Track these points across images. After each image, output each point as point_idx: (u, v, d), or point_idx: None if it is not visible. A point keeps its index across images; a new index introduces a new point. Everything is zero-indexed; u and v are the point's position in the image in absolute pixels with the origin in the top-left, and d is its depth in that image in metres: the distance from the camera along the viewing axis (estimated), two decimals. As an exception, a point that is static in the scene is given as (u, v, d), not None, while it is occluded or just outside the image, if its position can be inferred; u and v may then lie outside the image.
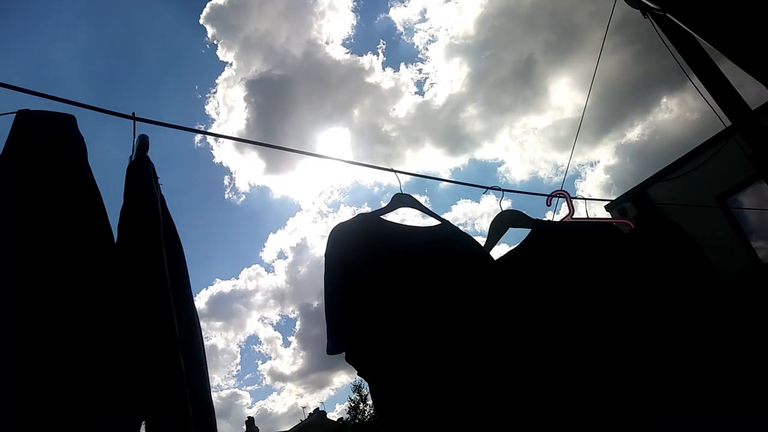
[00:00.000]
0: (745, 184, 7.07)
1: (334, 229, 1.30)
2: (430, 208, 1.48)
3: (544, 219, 1.58)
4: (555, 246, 1.46)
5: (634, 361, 1.27)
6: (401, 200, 1.48)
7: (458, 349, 1.18)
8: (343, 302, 1.20)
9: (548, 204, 2.02)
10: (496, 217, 1.62)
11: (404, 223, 1.40)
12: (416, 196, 1.50)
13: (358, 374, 1.18)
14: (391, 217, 1.42)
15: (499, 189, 1.72)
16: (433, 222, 1.45)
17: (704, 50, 3.16)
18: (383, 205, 1.46)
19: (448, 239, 1.39)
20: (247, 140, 1.74)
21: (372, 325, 1.17)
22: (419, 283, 1.24)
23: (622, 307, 1.34)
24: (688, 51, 3.16)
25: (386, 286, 1.22)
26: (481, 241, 1.53)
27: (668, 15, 2.25)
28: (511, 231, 1.62)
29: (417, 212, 1.52)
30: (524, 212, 1.60)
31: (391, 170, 1.56)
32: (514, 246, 1.51)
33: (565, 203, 1.96)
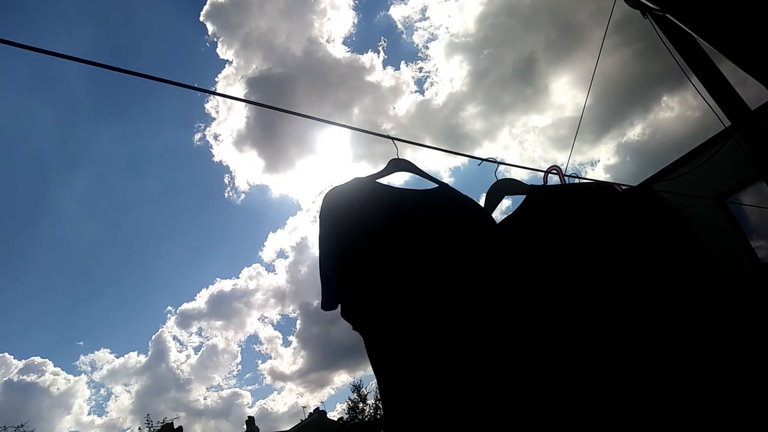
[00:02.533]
0: (745, 184, 7.07)
1: (329, 192, 1.30)
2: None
3: (538, 185, 1.57)
4: (551, 208, 1.45)
5: (634, 333, 1.26)
6: (397, 164, 1.46)
7: (453, 305, 1.19)
8: (337, 261, 1.21)
9: (545, 182, 2.06)
10: (491, 186, 1.61)
11: (400, 186, 1.38)
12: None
13: (352, 329, 1.19)
14: (388, 180, 1.42)
15: (495, 161, 1.73)
16: (431, 185, 1.43)
17: (704, 50, 3.16)
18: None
19: (446, 200, 1.38)
20: (246, 100, 1.73)
21: (367, 282, 1.19)
22: (415, 242, 1.25)
23: (618, 269, 1.33)
24: (688, 51, 3.16)
25: (381, 246, 1.23)
26: None
27: (668, 15, 2.25)
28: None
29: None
30: (519, 179, 1.60)
31: (388, 137, 1.54)
32: (511, 212, 1.50)
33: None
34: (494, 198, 1.60)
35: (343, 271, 1.20)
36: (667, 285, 1.38)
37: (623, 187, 1.79)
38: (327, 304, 1.19)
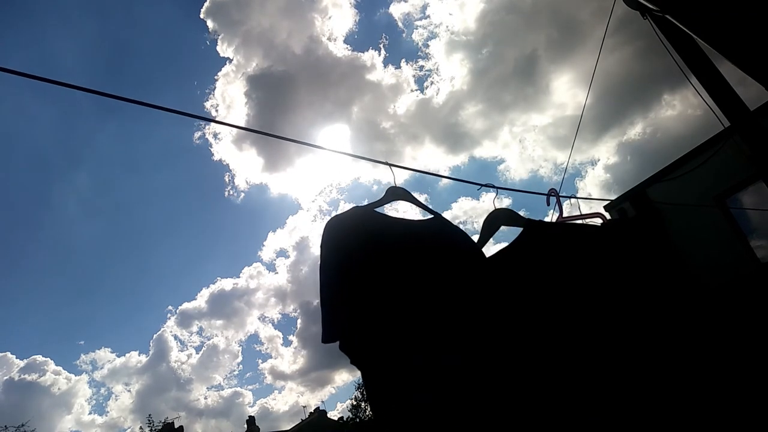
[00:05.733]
0: (744, 184, 7.08)
1: (328, 222, 1.34)
2: (429, 205, 1.51)
3: (535, 219, 1.60)
4: (545, 245, 1.49)
5: (619, 360, 1.29)
6: (395, 193, 1.50)
7: (446, 340, 1.21)
8: (337, 294, 1.23)
9: (548, 203, 2.09)
10: (489, 214, 1.64)
11: (397, 216, 1.42)
12: (416, 194, 1.53)
13: (350, 362, 1.20)
14: (385, 209, 1.46)
15: (493, 186, 1.75)
16: (426, 215, 1.47)
17: (703, 51, 3.17)
18: (382, 203, 1.49)
19: (439, 233, 1.42)
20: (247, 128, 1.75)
21: (364, 316, 1.20)
22: (410, 276, 1.27)
23: (607, 305, 1.37)
24: (687, 52, 3.17)
25: (378, 279, 1.25)
26: (474, 238, 1.55)
27: (667, 16, 2.26)
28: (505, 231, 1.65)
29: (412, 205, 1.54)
30: (517, 211, 1.63)
31: (386, 163, 1.58)
32: (507, 244, 1.54)
33: (567, 201, 2.04)
34: (491, 226, 1.64)
35: (341, 305, 1.22)
36: (657, 299, 1.42)
37: (608, 219, 1.89)
38: (326, 337, 1.20)
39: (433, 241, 1.37)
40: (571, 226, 1.79)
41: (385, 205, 1.48)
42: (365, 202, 1.45)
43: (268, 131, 1.62)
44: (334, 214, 1.38)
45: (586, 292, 1.38)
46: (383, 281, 1.25)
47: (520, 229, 1.56)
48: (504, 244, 1.54)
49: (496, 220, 1.63)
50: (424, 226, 1.43)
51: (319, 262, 1.29)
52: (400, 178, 1.55)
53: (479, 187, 1.78)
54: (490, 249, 1.55)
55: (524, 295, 1.37)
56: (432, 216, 1.46)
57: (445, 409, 1.12)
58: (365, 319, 1.20)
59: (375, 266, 1.26)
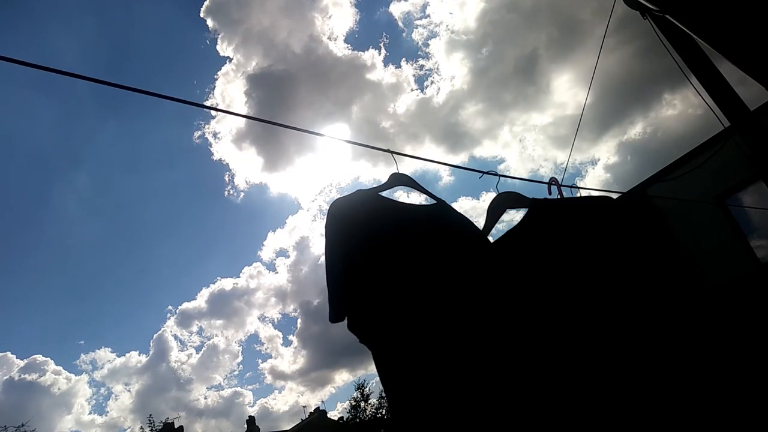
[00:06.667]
0: (744, 184, 7.09)
1: (333, 203, 1.35)
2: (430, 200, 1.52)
3: (540, 198, 1.58)
4: (552, 222, 1.48)
5: (619, 359, 1.28)
6: (399, 179, 1.51)
7: (450, 319, 1.22)
8: (343, 275, 1.25)
9: (549, 192, 2.12)
10: (494, 198, 1.64)
11: (400, 200, 1.43)
12: (416, 193, 1.53)
13: (359, 342, 1.23)
14: (389, 193, 1.46)
15: (496, 174, 1.76)
16: (429, 201, 1.49)
17: (703, 51, 3.17)
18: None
19: (443, 218, 1.43)
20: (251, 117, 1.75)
21: (369, 297, 1.22)
22: (414, 259, 1.29)
23: (609, 301, 1.35)
24: (688, 52, 3.18)
25: (379, 263, 1.27)
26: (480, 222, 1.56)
27: (667, 16, 2.26)
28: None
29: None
30: (521, 193, 1.62)
31: (388, 151, 1.59)
32: (513, 225, 1.53)
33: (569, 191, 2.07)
34: (497, 211, 1.63)
35: (347, 285, 1.24)
36: (658, 290, 1.40)
37: (613, 197, 1.87)
38: (334, 317, 1.23)
39: (436, 226, 1.38)
40: (575, 200, 1.77)
41: (389, 190, 1.49)
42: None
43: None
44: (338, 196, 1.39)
45: (588, 284, 1.36)
46: (384, 265, 1.26)
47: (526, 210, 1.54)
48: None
49: (500, 205, 1.62)
50: (428, 211, 1.44)
51: (324, 245, 1.30)
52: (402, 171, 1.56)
53: (481, 174, 1.79)
54: (499, 233, 1.54)
55: (527, 282, 1.37)
56: (435, 202, 1.47)
57: (444, 394, 1.14)
58: (370, 301, 1.22)
59: (376, 250, 1.28)
